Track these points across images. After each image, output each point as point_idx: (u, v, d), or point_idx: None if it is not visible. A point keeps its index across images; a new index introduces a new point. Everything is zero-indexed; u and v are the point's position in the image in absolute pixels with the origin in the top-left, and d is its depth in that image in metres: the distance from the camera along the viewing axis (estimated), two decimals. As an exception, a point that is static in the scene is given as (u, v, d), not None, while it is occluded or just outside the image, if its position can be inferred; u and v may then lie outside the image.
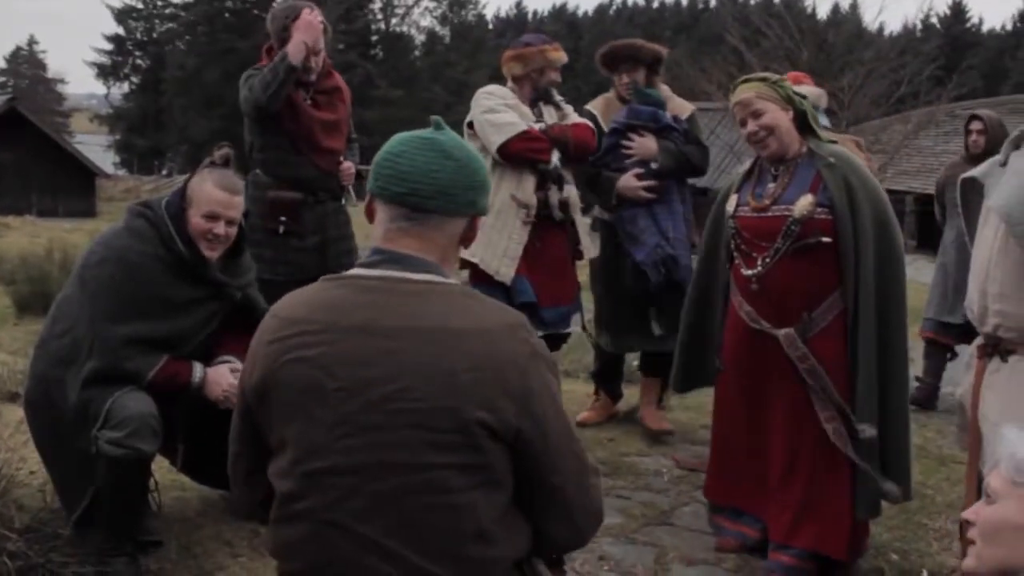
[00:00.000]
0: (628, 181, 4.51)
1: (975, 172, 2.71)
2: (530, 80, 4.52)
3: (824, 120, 3.85)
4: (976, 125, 5.83)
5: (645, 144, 4.52)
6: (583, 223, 4.66)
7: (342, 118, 4.35)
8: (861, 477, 3.20)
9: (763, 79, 3.34)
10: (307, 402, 1.77)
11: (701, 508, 3.87)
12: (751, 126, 3.28)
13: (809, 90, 3.98)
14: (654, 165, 4.49)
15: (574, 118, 4.59)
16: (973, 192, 2.70)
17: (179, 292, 3.13)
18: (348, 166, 4.37)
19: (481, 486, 1.74)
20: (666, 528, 3.82)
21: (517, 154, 4.36)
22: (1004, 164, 2.59)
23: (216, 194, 3.13)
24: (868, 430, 3.15)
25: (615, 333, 4.78)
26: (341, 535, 1.75)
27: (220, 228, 3.14)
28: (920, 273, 18.21)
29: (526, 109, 4.51)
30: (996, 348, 2.52)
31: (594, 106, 4.84)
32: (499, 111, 4.40)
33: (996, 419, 2.48)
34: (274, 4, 4.30)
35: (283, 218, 4.12)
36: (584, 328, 4.92)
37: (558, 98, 4.60)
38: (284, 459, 1.81)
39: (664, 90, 4.78)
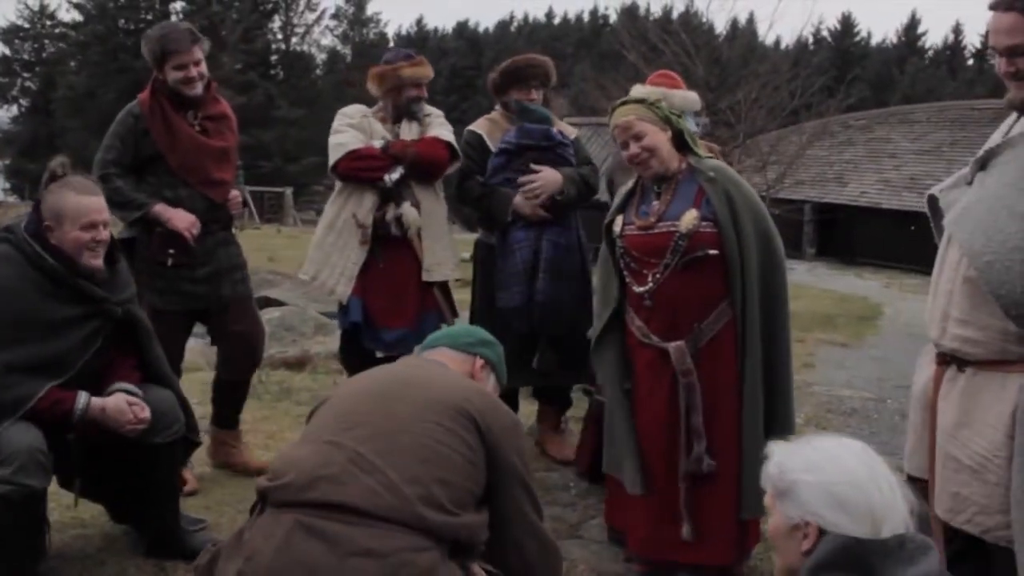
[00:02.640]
0: (524, 202, 4.41)
1: (939, 190, 2.66)
2: (390, 98, 4.50)
3: (692, 125, 3.88)
4: None
5: (549, 178, 4.39)
6: (437, 242, 4.51)
7: (231, 146, 4.23)
8: (746, 477, 3.28)
9: (640, 101, 3.40)
10: (360, 391, 2.53)
11: (609, 520, 3.90)
12: (633, 148, 3.35)
13: (683, 94, 4.02)
14: (559, 197, 4.39)
15: (435, 132, 4.49)
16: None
17: (55, 312, 3.05)
18: (235, 195, 4.28)
19: (459, 453, 2.29)
20: (575, 541, 3.84)
21: (347, 173, 4.39)
22: (970, 183, 2.53)
23: (87, 202, 3.10)
24: (709, 463, 3.28)
25: None
26: (339, 451, 2.24)
27: (101, 234, 3.11)
28: (821, 279, 18.82)
29: (379, 127, 4.47)
30: (954, 358, 2.52)
31: (479, 126, 4.72)
32: (339, 132, 4.43)
33: (950, 430, 2.50)
34: (148, 29, 4.21)
35: (171, 251, 3.99)
36: None
37: (425, 113, 4.55)
38: (323, 417, 2.47)
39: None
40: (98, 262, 3.14)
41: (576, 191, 4.45)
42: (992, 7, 2.34)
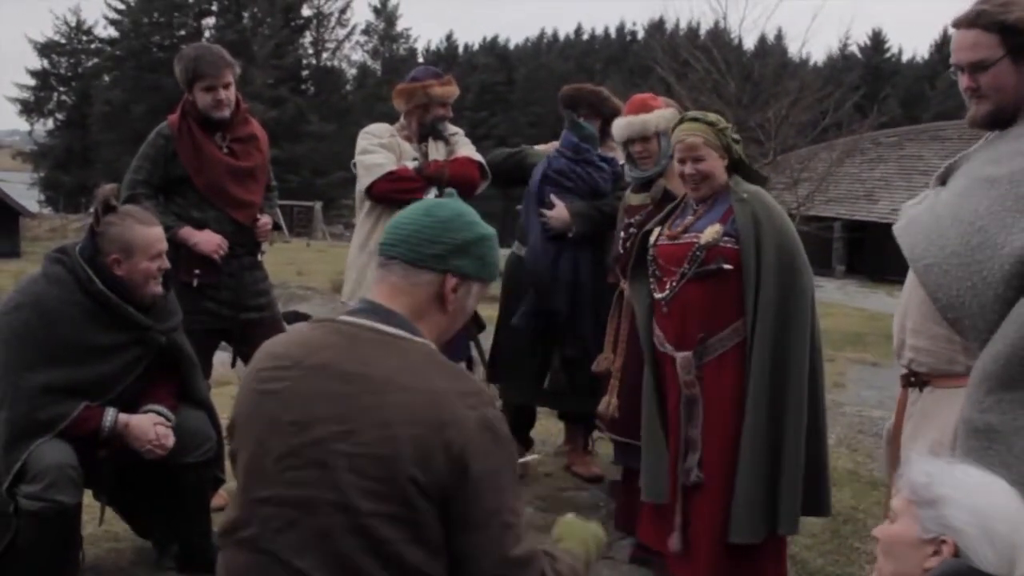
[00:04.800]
0: (558, 212, 4.39)
1: (907, 205, 2.72)
2: (415, 115, 4.45)
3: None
4: None
5: (558, 215, 4.37)
6: None
7: (259, 166, 4.23)
8: (738, 500, 3.24)
9: (712, 124, 3.38)
10: (263, 432, 1.86)
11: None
12: (689, 168, 3.36)
13: (660, 114, 3.95)
14: (570, 234, 4.37)
15: (464, 152, 4.47)
16: None
17: (101, 337, 3.08)
18: (265, 222, 4.25)
19: (414, 542, 1.75)
20: (605, 562, 3.81)
21: (384, 195, 4.29)
22: None
23: (153, 233, 3.16)
24: (697, 475, 3.28)
25: (507, 381, 4.62)
26: (279, 567, 1.79)
27: (165, 261, 3.19)
28: (851, 297, 18.69)
29: (407, 146, 4.40)
30: (916, 378, 2.56)
31: (544, 149, 4.75)
32: (371, 151, 4.34)
33: (906, 442, 2.55)
34: (182, 48, 4.24)
35: (197, 271, 4.01)
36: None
37: (449, 132, 4.51)
38: (237, 486, 1.91)
39: (611, 145, 4.60)
40: (160, 289, 3.20)
41: (590, 226, 4.38)
42: (955, 25, 2.39)
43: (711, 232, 3.30)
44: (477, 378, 4.59)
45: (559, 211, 4.38)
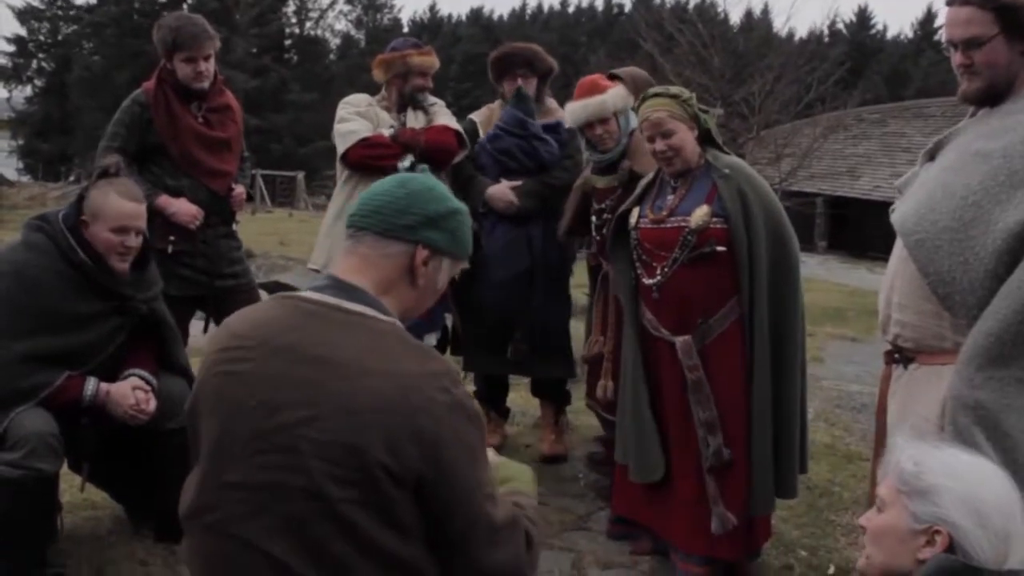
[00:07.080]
0: (499, 191, 4.42)
1: (898, 183, 2.73)
2: (395, 85, 4.47)
3: (633, 121, 3.83)
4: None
5: (501, 192, 4.42)
6: None
7: (232, 137, 4.25)
8: (756, 475, 3.28)
9: (675, 96, 3.36)
10: (228, 414, 1.80)
11: (617, 512, 3.91)
12: (660, 144, 3.33)
13: (616, 92, 3.94)
14: (512, 212, 4.41)
15: (443, 121, 4.48)
16: None
17: (81, 306, 3.07)
18: (240, 192, 4.30)
19: (388, 527, 1.73)
20: (582, 533, 3.87)
21: (359, 161, 4.31)
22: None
23: (124, 206, 3.11)
24: (728, 453, 3.27)
25: (470, 353, 4.65)
26: (247, 551, 1.75)
27: (131, 240, 3.13)
28: (832, 273, 18.77)
29: (385, 115, 4.42)
30: (901, 355, 2.56)
31: (478, 115, 4.76)
32: (347, 120, 4.37)
33: (893, 423, 2.54)
34: (164, 16, 4.24)
35: (172, 237, 4.02)
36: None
37: (429, 102, 4.52)
38: (200, 468, 1.85)
39: (551, 103, 4.69)
40: (124, 266, 3.16)
41: (538, 202, 4.44)
42: (948, 3, 2.40)
43: (700, 215, 3.27)
44: (446, 351, 4.65)
45: (500, 190, 4.41)
